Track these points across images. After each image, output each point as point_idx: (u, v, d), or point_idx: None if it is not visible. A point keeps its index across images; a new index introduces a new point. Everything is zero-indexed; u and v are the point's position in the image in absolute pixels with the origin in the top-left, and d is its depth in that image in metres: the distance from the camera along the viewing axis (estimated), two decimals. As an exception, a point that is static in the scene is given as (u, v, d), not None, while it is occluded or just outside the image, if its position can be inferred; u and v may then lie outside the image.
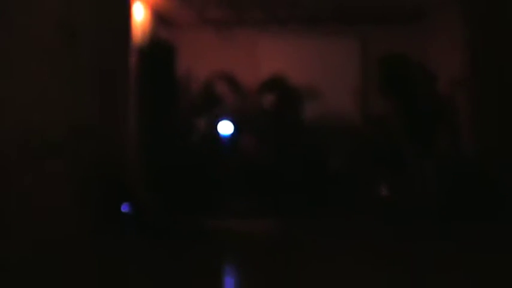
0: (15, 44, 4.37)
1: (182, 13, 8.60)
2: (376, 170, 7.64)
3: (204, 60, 8.73)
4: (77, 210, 5.30)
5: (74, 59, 5.38)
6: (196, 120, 8.17)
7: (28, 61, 4.56)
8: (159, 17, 8.53)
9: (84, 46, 5.56)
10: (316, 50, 9.19)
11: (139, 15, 7.65)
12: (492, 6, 7.22)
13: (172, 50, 8.01)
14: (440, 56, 8.21)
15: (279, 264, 4.75)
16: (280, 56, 9.18)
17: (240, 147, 8.17)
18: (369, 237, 5.74)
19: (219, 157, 7.97)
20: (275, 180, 7.63)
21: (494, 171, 6.77)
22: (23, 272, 4.12)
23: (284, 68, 8.54)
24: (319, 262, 4.79)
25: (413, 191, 7.07)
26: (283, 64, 8.81)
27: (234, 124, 8.13)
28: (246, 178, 7.73)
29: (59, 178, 5.01)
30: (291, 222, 6.55)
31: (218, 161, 7.86)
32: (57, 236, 4.85)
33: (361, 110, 8.95)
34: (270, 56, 9.18)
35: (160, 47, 7.90)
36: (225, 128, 8.09)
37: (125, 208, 6.09)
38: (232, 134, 8.11)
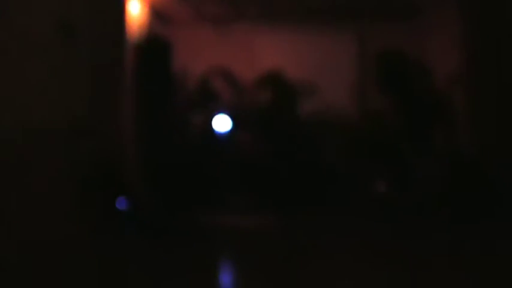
0: (12, 42, 4.34)
1: (178, 9, 8.57)
2: (373, 166, 7.64)
3: (200, 56, 8.71)
4: (74, 207, 5.28)
5: (71, 56, 5.36)
6: (193, 116, 8.16)
7: (24, 59, 4.54)
8: (155, 13, 8.50)
9: (80, 43, 5.53)
10: (313, 46, 9.18)
11: (136, 11, 7.62)
12: (489, 3, 7.22)
13: (168, 46, 7.98)
14: (438, 52, 8.20)
15: (277, 260, 4.75)
16: (277, 51, 9.16)
17: (236, 143, 8.15)
18: (367, 234, 5.74)
19: (216, 153, 7.95)
20: (271, 176, 7.62)
21: (492, 167, 6.78)
22: (20, 271, 4.11)
23: (281, 63, 8.52)
24: (317, 258, 4.79)
25: (411, 187, 7.07)
26: (280, 60, 8.80)
27: (230, 120, 8.11)
28: (243, 174, 7.72)
29: (56, 175, 4.99)
30: (288, 219, 6.55)
31: (215, 157, 7.85)
32: (54, 234, 4.83)
33: (358, 106, 8.94)
34: (266, 52, 9.17)
35: (156, 43, 7.87)
36: (222, 123, 8.07)
37: (120, 203, 6.07)
38: (229, 130, 8.10)
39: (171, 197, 6.74)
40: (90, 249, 5.01)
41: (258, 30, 9.23)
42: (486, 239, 5.33)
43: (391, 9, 8.59)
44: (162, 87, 7.65)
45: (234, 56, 8.99)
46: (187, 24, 9.21)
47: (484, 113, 7.13)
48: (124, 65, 6.92)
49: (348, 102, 8.89)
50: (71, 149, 5.28)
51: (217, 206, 7.01)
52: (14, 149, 4.35)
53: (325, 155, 7.97)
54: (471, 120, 7.32)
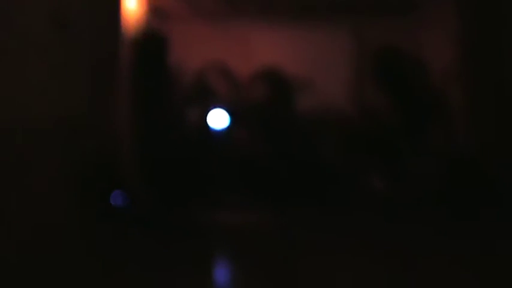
0: (5, 36, 4.32)
1: (175, 4, 8.54)
2: (370, 162, 7.63)
3: (196, 51, 8.68)
4: (71, 203, 5.27)
5: (66, 51, 5.34)
6: (189, 111, 8.14)
7: (18, 54, 4.52)
8: (151, 8, 8.46)
9: (75, 37, 5.51)
10: (310, 42, 9.16)
11: (132, 5, 7.59)
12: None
13: (165, 41, 7.95)
14: (434, 47, 8.19)
15: (273, 257, 4.75)
16: (274, 47, 9.15)
17: (232, 139, 8.14)
18: (365, 231, 5.74)
19: (212, 148, 7.94)
20: (267, 172, 7.61)
21: (490, 164, 6.77)
22: (17, 266, 4.10)
23: (277, 59, 8.51)
24: (314, 255, 4.79)
25: (408, 184, 7.07)
26: (277, 55, 8.78)
27: (226, 115, 8.10)
28: (239, 170, 7.71)
29: (51, 171, 4.98)
30: (284, 215, 6.54)
31: (211, 153, 7.84)
32: (51, 230, 4.82)
33: (354, 102, 8.93)
34: (263, 47, 9.15)
35: (153, 38, 7.85)
36: (218, 119, 8.06)
37: (116, 199, 6.06)
38: (225, 125, 8.09)
39: (167, 192, 6.73)
40: (86, 244, 5.00)
41: (255, 25, 9.21)
42: (484, 236, 5.32)
43: (388, 5, 8.57)
44: (159, 82, 7.63)
45: (230, 51, 8.96)
46: (183, 19, 9.18)
47: (481, 109, 7.13)
48: (120, 60, 6.90)
49: (344, 98, 8.88)
50: (66, 145, 5.27)
51: (213, 202, 7.00)
52: (8, 145, 4.33)
53: (321, 152, 7.96)
54: (468, 115, 7.32)
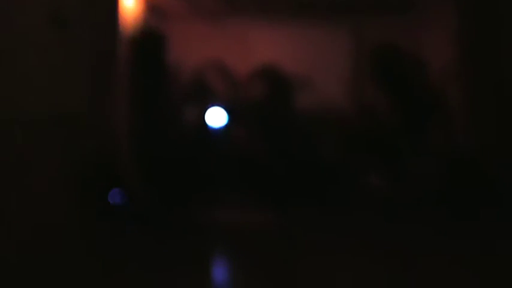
0: (3, 35, 4.30)
1: (173, 2, 8.52)
2: (369, 161, 7.63)
3: (195, 50, 8.66)
4: (70, 201, 5.26)
5: (64, 49, 5.32)
6: (187, 110, 8.13)
7: (16, 52, 4.50)
8: (149, 6, 8.44)
9: (73, 36, 5.49)
10: (308, 40, 9.15)
11: (130, 4, 7.57)
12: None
13: (162, 39, 7.93)
14: (434, 47, 8.18)
15: (272, 256, 4.74)
16: (272, 45, 9.13)
17: (231, 137, 8.13)
18: (364, 229, 5.73)
19: (210, 147, 7.93)
20: (267, 171, 7.60)
21: (489, 163, 6.77)
22: (15, 267, 4.08)
23: (276, 57, 8.49)
24: (314, 255, 4.78)
25: (407, 183, 7.07)
26: (275, 54, 8.76)
27: (225, 113, 8.09)
28: (237, 168, 7.70)
29: (50, 169, 4.97)
30: (283, 214, 6.53)
31: (209, 151, 7.83)
32: (50, 228, 4.81)
33: (353, 101, 8.92)
34: (261, 46, 9.13)
35: (150, 36, 7.83)
36: (216, 117, 8.05)
37: (115, 197, 6.06)
38: (224, 124, 8.08)
39: (166, 191, 6.72)
40: (85, 243, 4.99)
41: (253, 24, 9.19)
42: (484, 236, 5.32)
43: (387, 3, 8.56)
44: (157, 81, 7.61)
45: (229, 49, 8.94)
46: (181, 18, 9.16)
47: (481, 108, 7.13)
48: (118, 58, 6.88)
49: (343, 97, 8.87)
50: (65, 144, 5.25)
51: (212, 201, 6.99)
52: (7, 144, 4.32)
53: (321, 151, 7.96)
54: (468, 115, 7.31)
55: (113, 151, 6.47)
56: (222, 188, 7.35)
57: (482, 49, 7.14)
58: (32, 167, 4.64)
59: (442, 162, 7.02)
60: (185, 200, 6.71)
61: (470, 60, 7.28)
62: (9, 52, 4.38)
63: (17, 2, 4.50)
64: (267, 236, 5.55)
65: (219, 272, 4.63)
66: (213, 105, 8.08)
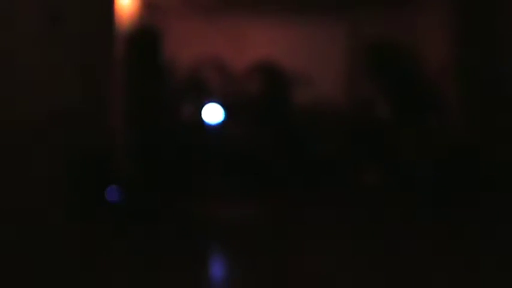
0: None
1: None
2: (365, 156, 7.64)
3: (191, 46, 8.65)
4: (64, 198, 5.26)
5: (59, 45, 5.31)
6: (183, 106, 8.13)
7: (11, 49, 4.49)
8: (145, 2, 8.42)
9: (69, 32, 5.49)
10: (305, 35, 9.13)
11: (125, 0, 7.56)
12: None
13: (158, 36, 7.92)
14: (430, 41, 8.18)
15: (268, 251, 4.75)
16: (268, 41, 9.10)
17: (227, 133, 8.14)
18: (360, 225, 5.73)
19: (207, 143, 7.93)
20: (263, 167, 7.61)
21: (485, 156, 6.78)
22: (11, 264, 4.08)
23: (272, 53, 8.49)
24: (308, 249, 4.79)
25: (403, 178, 7.08)
26: (271, 50, 8.75)
27: (221, 109, 8.09)
28: (234, 164, 7.71)
29: (44, 167, 4.96)
30: (280, 210, 6.54)
31: (206, 147, 7.83)
32: (44, 224, 4.81)
33: (350, 96, 8.92)
34: (257, 42, 9.11)
35: (146, 32, 7.82)
36: (212, 113, 8.05)
37: (110, 193, 6.06)
38: (220, 119, 8.08)
39: (162, 188, 6.72)
40: (81, 240, 4.99)
41: (249, 19, 9.17)
42: (482, 230, 5.32)
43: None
44: (153, 78, 7.61)
45: (224, 46, 8.93)
46: (177, 14, 9.14)
47: (477, 103, 7.13)
48: (113, 54, 6.87)
49: (340, 92, 8.87)
50: (60, 141, 5.25)
51: (209, 196, 7.00)
52: (2, 140, 4.32)
53: (317, 146, 7.96)
54: (464, 110, 7.32)
55: (108, 148, 6.47)
56: (219, 184, 7.35)
57: (479, 44, 7.14)
58: (26, 164, 4.64)
59: (437, 156, 7.03)
60: (181, 196, 6.71)
61: (467, 55, 7.28)
62: (3, 49, 4.37)
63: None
64: (262, 231, 5.56)
65: (216, 266, 4.64)
66: (209, 101, 8.08)
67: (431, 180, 6.80)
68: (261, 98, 8.30)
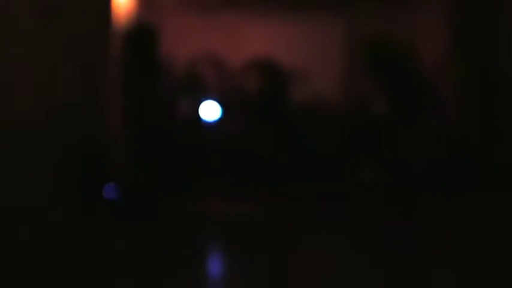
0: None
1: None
2: (362, 152, 7.64)
3: (188, 43, 8.63)
4: (61, 196, 5.25)
5: (55, 42, 5.29)
6: (181, 103, 8.12)
7: (6, 45, 4.47)
8: (141, -1, 8.41)
9: (65, 29, 5.47)
10: (302, 32, 9.12)
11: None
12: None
13: (155, 33, 7.91)
14: (428, 37, 8.18)
15: (265, 247, 4.74)
16: (265, 38, 9.09)
17: (224, 130, 8.13)
18: (357, 221, 5.74)
19: (204, 140, 7.93)
20: (260, 164, 7.61)
21: (481, 151, 6.79)
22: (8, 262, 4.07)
23: (269, 50, 8.48)
24: (306, 246, 4.79)
25: (401, 174, 7.09)
26: (268, 46, 8.74)
27: (218, 106, 8.09)
28: (231, 161, 7.71)
29: (43, 163, 4.95)
30: (276, 205, 6.54)
31: (203, 144, 7.83)
32: (38, 219, 4.80)
33: (348, 93, 8.92)
34: (254, 38, 9.10)
35: (143, 29, 7.80)
36: (209, 110, 8.04)
37: (108, 190, 6.06)
38: (217, 116, 8.07)
39: (160, 185, 6.72)
40: (80, 238, 4.98)
41: (246, 16, 9.16)
42: (477, 223, 5.34)
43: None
44: (150, 75, 7.60)
45: (222, 42, 8.92)
46: (174, 11, 9.12)
47: (474, 100, 7.14)
48: (110, 51, 6.85)
49: (337, 88, 8.86)
50: (56, 138, 5.24)
51: (206, 193, 7.00)
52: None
53: (315, 143, 7.97)
54: (461, 106, 7.33)
55: (105, 145, 6.46)
56: (217, 181, 7.35)
57: (476, 40, 7.14)
58: (22, 162, 4.62)
59: (434, 152, 7.04)
60: (179, 193, 6.71)
61: (463, 52, 7.29)
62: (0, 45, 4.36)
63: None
64: (260, 228, 5.56)
65: (214, 264, 4.63)
66: (206, 98, 8.07)
67: (430, 178, 6.80)
68: (259, 95, 8.30)
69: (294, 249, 4.69)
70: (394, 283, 3.82)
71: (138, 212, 5.97)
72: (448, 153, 7.00)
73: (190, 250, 4.70)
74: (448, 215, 5.79)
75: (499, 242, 4.68)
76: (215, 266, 4.57)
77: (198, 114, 8.04)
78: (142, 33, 7.75)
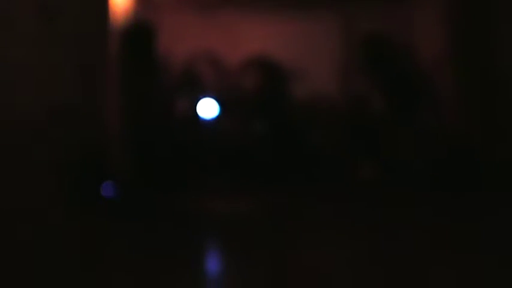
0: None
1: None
2: (360, 150, 7.65)
3: (185, 41, 8.62)
4: (59, 195, 5.24)
5: (53, 41, 5.28)
6: (178, 101, 8.12)
7: (4, 44, 4.46)
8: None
9: (63, 28, 5.46)
10: (300, 30, 9.12)
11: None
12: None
13: (153, 31, 7.90)
14: (425, 35, 8.18)
15: (264, 245, 4.74)
16: (263, 36, 9.09)
17: (222, 128, 8.13)
18: (356, 219, 5.74)
19: (202, 138, 7.93)
20: (258, 162, 7.61)
21: (480, 149, 6.80)
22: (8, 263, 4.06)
23: (267, 48, 8.48)
24: (304, 243, 4.79)
25: (398, 172, 7.09)
26: (266, 44, 8.74)
27: (216, 104, 8.09)
28: (229, 159, 7.71)
29: (40, 162, 4.94)
30: (274, 203, 6.54)
31: (201, 142, 7.83)
32: (37, 219, 4.79)
33: (346, 90, 8.92)
34: (252, 36, 9.09)
35: (141, 27, 7.79)
36: (207, 108, 8.04)
37: (105, 189, 6.05)
38: (215, 114, 8.07)
39: (158, 183, 6.71)
40: (78, 237, 4.98)
41: (244, 14, 9.15)
42: (476, 220, 5.34)
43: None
44: (147, 73, 7.59)
45: (219, 40, 8.91)
46: (172, 9, 9.10)
47: (472, 96, 7.14)
48: (108, 50, 6.84)
49: (335, 86, 8.86)
50: (55, 137, 5.23)
51: (204, 191, 7.00)
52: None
53: (313, 140, 7.97)
54: (459, 103, 7.33)
55: (103, 144, 6.45)
56: (215, 179, 7.35)
57: (474, 38, 7.14)
58: (21, 162, 4.61)
59: (432, 150, 7.04)
60: (177, 191, 6.71)
61: (461, 49, 7.29)
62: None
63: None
64: (258, 226, 5.55)
65: (213, 262, 4.63)
66: (204, 96, 8.07)
67: (428, 176, 6.81)
68: (256, 93, 8.30)
69: (292, 248, 4.68)
70: (393, 281, 3.82)
71: (136, 210, 5.96)
72: (446, 151, 7.01)
73: (189, 248, 4.69)
74: (447, 214, 5.80)
75: (499, 241, 4.69)
76: (213, 264, 4.57)
77: (196, 112, 8.04)
78: (140, 31, 7.74)
